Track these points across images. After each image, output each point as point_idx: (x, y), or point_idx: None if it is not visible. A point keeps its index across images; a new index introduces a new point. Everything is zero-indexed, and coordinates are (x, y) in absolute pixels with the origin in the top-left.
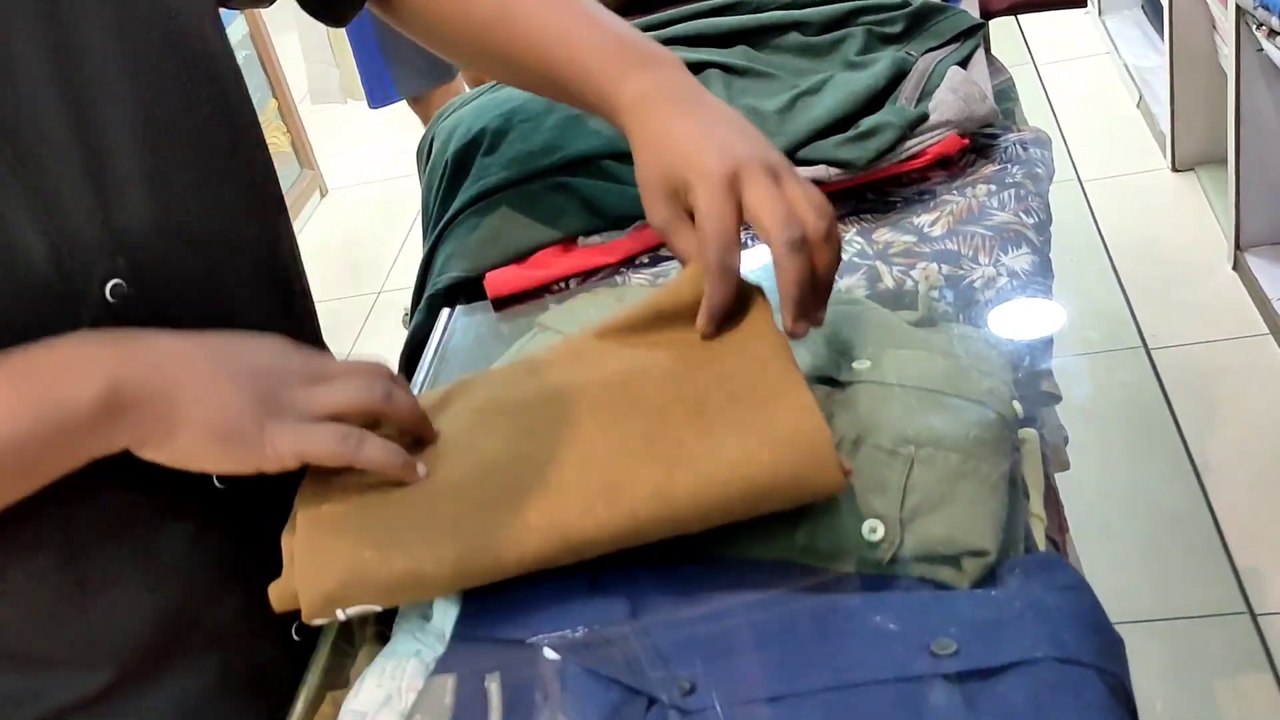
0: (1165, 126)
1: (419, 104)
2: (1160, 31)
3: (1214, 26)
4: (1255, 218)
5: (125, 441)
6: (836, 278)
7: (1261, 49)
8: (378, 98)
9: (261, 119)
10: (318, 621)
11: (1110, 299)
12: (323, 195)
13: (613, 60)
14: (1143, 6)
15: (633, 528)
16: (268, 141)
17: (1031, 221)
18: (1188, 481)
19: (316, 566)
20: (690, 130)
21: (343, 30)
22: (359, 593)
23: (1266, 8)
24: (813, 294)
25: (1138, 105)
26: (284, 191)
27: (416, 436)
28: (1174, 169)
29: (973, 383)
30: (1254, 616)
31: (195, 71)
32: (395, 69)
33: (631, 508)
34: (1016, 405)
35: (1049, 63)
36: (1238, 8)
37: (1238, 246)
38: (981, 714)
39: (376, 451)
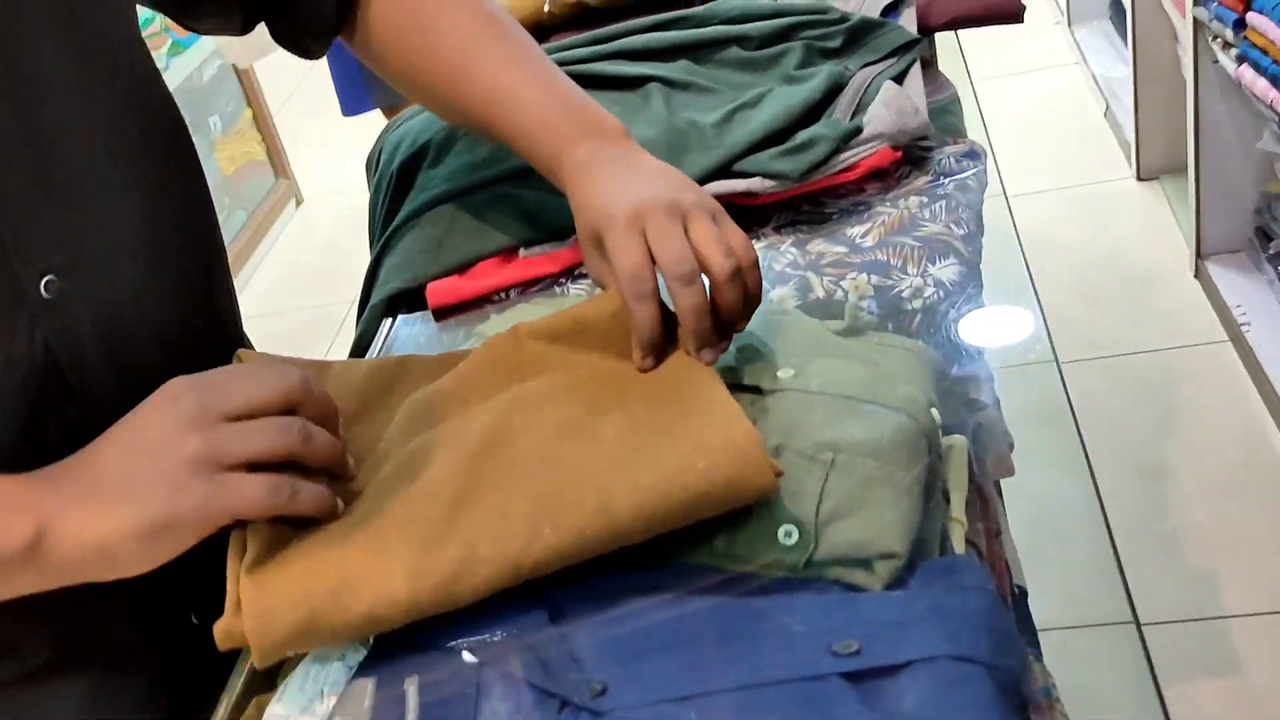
0: (1130, 136)
1: (393, 113)
2: (1127, 42)
3: (1176, 37)
4: (1215, 226)
5: (61, 579)
6: (769, 288)
7: (1217, 60)
8: (352, 106)
9: (236, 128)
10: (267, 665)
11: (1070, 306)
12: (298, 204)
13: (560, 131)
14: (1110, 18)
15: (579, 545)
16: (243, 150)
17: (961, 233)
18: (1143, 488)
19: (266, 615)
20: (611, 187)
21: None
22: (312, 639)
23: (1220, 19)
24: (717, 325)
25: (1105, 115)
26: (259, 200)
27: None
28: (1139, 178)
29: (892, 390)
30: (1139, 626)
31: (130, 91)
32: (371, 78)
33: (578, 527)
34: (935, 413)
35: (1019, 73)
36: (1195, 19)
37: (1199, 254)
38: (879, 711)
39: (310, 502)
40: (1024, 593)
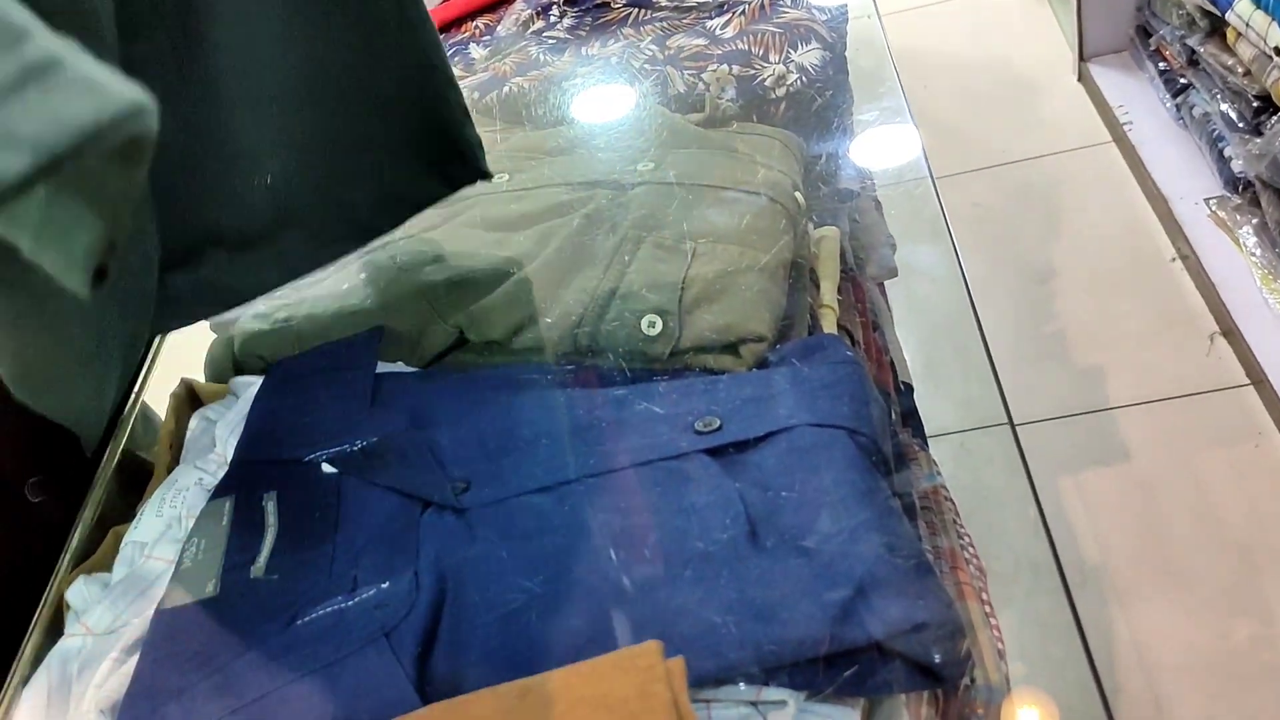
0: None
1: None
2: None
3: None
4: (1097, 27)
5: None
6: (629, 84)
7: None
8: None
9: None
10: None
11: (965, 122)
12: None
13: None
14: None
15: None
16: None
17: (824, 17)
18: (1031, 291)
19: None
20: None
21: None
22: None
23: None
24: None
25: None
26: None
27: None
28: None
29: (752, 174)
30: (1015, 428)
31: None
32: None
33: None
34: (799, 196)
35: None
36: None
37: (1081, 57)
38: (741, 481)
39: None
40: (910, 388)
